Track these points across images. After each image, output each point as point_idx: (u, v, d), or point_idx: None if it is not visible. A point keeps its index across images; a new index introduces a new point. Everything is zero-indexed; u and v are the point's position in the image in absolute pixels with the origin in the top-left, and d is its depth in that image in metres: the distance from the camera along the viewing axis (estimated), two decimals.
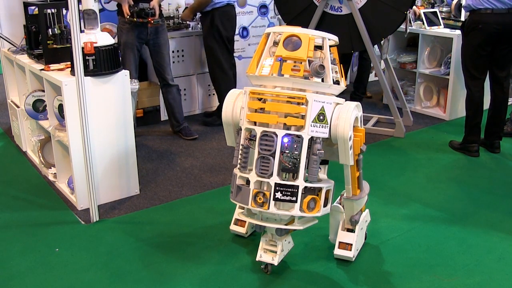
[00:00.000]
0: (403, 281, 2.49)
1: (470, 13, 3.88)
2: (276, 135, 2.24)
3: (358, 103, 2.38)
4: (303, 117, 2.24)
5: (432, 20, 5.07)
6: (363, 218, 2.71)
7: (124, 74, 3.21)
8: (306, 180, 2.29)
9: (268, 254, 2.48)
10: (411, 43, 5.44)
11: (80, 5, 2.88)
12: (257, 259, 2.49)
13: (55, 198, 3.40)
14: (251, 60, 2.41)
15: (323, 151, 2.27)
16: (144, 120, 4.80)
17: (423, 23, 5.02)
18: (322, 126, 2.26)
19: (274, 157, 2.25)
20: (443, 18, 5.15)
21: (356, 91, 5.36)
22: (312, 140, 2.27)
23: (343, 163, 2.37)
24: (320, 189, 2.33)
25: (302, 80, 2.26)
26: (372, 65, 5.45)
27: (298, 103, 2.24)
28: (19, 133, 4.16)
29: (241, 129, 2.37)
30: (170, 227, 3.04)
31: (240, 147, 2.36)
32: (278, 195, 2.25)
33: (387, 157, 4.09)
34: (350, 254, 2.60)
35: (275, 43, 2.38)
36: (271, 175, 2.25)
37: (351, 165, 2.39)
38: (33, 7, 3.64)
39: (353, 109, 2.30)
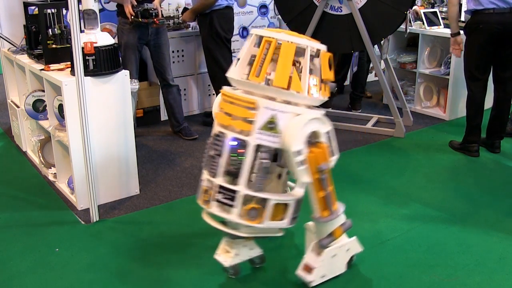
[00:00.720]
0: (403, 281, 2.49)
1: (472, 13, 3.88)
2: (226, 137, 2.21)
3: (321, 116, 2.21)
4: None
5: (432, 20, 5.07)
6: (345, 246, 2.48)
7: (124, 74, 3.21)
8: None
9: (224, 255, 2.47)
10: (411, 43, 5.43)
11: (80, 5, 2.88)
12: (214, 256, 2.49)
13: (55, 198, 3.40)
14: (254, 67, 2.19)
15: (268, 161, 2.17)
16: (144, 120, 4.80)
17: (423, 23, 5.02)
18: (271, 135, 2.15)
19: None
20: (443, 18, 5.15)
21: (354, 90, 5.36)
22: (259, 147, 2.17)
23: (295, 179, 2.25)
24: (266, 199, 2.21)
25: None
26: (371, 64, 5.46)
27: (249, 108, 2.14)
28: (19, 133, 4.16)
29: None
30: (170, 227, 3.04)
31: (208, 144, 2.34)
32: (219, 196, 2.22)
33: (387, 157, 4.09)
34: (310, 278, 2.38)
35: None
36: (216, 175, 2.23)
37: (311, 183, 2.25)
38: (33, 7, 3.64)
39: (307, 122, 2.14)
